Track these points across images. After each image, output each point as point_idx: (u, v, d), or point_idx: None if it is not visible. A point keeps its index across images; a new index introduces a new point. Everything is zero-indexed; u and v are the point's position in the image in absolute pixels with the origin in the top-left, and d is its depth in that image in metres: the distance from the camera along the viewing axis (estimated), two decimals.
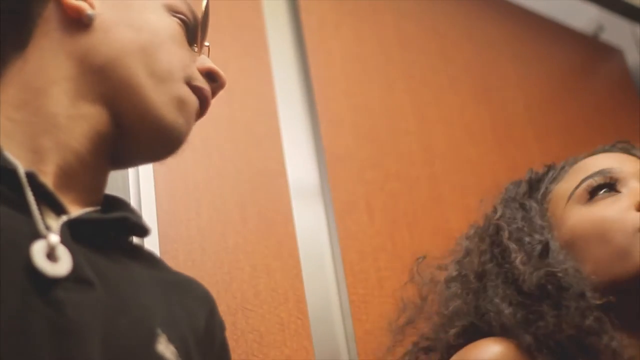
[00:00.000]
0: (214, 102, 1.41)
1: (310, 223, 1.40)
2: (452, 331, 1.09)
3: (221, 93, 1.39)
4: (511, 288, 1.06)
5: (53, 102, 0.77)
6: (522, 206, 1.18)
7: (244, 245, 1.29)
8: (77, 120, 0.77)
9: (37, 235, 0.65)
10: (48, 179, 0.73)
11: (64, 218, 0.70)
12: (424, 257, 1.31)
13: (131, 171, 1.24)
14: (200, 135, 1.34)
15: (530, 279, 1.03)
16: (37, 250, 0.63)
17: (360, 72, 1.65)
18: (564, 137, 1.91)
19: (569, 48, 2.16)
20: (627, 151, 1.23)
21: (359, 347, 1.32)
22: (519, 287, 1.05)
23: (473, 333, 1.08)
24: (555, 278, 1.02)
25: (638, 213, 1.05)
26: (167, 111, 0.82)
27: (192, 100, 0.86)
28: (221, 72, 0.90)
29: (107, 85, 0.80)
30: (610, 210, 1.08)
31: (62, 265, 0.64)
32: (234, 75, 1.45)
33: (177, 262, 1.20)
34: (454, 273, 1.17)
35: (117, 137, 0.81)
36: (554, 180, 1.21)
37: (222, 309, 1.20)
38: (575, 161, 1.22)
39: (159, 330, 0.72)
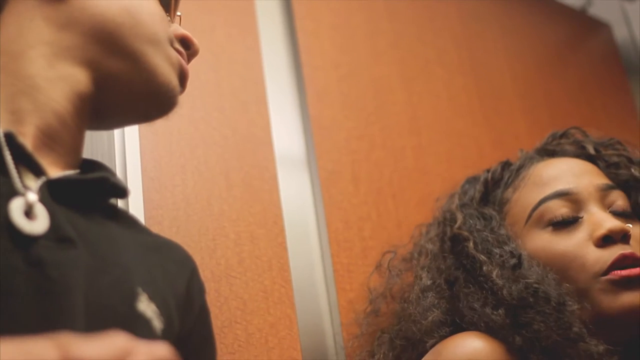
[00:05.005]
0: (201, 69, 1.40)
1: (296, 191, 1.40)
2: (431, 342, 1.09)
3: (208, 59, 1.39)
4: (491, 297, 1.06)
5: (30, 64, 0.76)
6: (482, 215, 1.18)
7: (228, 212, 1.29)
8: (56, 82, 0.77)
9: (15, 194, 0.64)
10: (27, 140, 0.72)
11: (43, 179, 0.69)
12: (395, 253, 1.32)
13: (117, 138, 1.23)
14: (186, 102, 1.34)
15: (510, 292, 1.03)
16: (15, 208, 0.63)
17: (348, 42, 1.64)
18: (550, 110, 1.91)
19: (557, 22, 2.16)
20: (580, 149, 1.23)
21: (342, 315, 1.33)
22: (499, 297, 1.05)
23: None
24: (535, 290, 1.03)
25: (596, 250, 1.06)
26: (163, 71, 0.84)
27: (180, 61, 0.87)
28: (194, 39, 0.91)
29: (93, 49, 0.79)
30: (569, 244, 1.08)
31: (40, 223, 0.64)
32: (221, 42, 1.44)
33: (162, 228, 1.20)
34: (428, 282, 1.16)
35: (98, 99, 0.81)
36: (511, 185, 1.20)
37: (206, 275, 1.21)
38: (531, 162, 1.21)
39: (139, 289, 0.72)
